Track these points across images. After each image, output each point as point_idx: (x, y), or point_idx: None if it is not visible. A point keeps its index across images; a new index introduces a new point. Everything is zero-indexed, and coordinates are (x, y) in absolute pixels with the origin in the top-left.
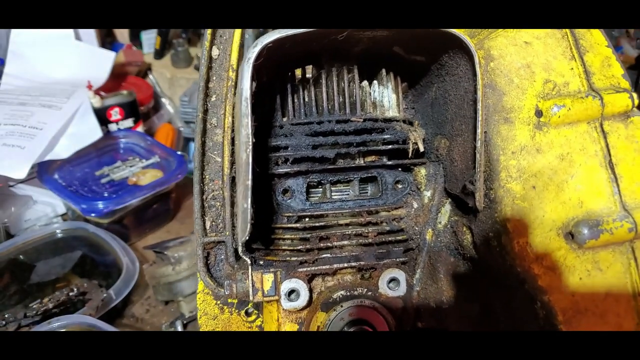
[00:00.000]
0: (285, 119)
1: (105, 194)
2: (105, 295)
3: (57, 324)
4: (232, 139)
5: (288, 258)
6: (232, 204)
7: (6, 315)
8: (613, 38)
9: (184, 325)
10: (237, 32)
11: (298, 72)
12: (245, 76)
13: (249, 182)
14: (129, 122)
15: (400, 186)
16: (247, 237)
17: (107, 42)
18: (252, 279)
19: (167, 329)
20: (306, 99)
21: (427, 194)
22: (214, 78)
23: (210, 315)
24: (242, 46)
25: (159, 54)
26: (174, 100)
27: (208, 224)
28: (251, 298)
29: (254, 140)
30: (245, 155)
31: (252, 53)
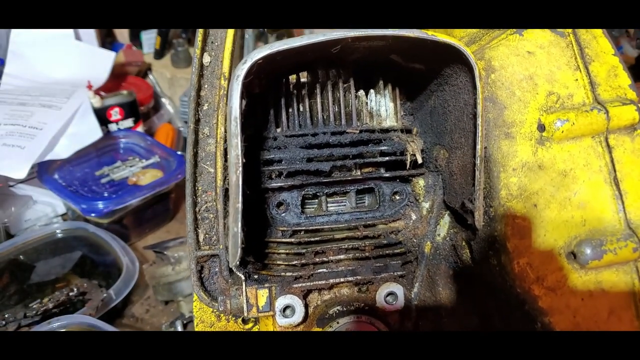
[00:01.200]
0: (279, 130)
1: (105, 194)
2: (105, 295)
3: (57, 324)
4: (225, 150)
5: (283, 273)
6: (226, 216)
7: (6, 315)
8: (613, 38)
9: (184, 325)
10: (229, 38)
11: (292, 78)
12: (234, 95)
13: (239, 205)
14: (129, 122)
15: (398, 197)
16: (238, 262)
17: (107, 42)
18: (246, 295)
19: (167, 329)
20: (300, 110)
21: (426, 205)
22: (206, 86)
23: (207, 323)
24: (240, 47)
25: (159, 54)
26: (174, 100)
27: (201, 237)
28: (245, 314)
29: (244, 160)
30: (235, 177)
31: (242, 70)
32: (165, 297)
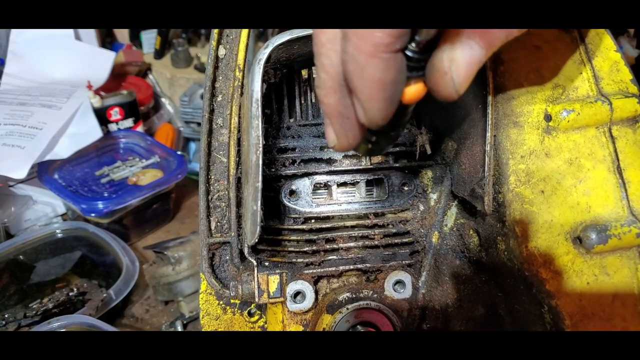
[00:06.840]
0: (292, 120)
1: (105, 194)
2: (105, 295)
3: (57, 324)
4: (239, 140)
5: (294, 259)
6: (238, 205)
7: (6, 315)
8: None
9: (184, 325)
10: (244, 31)
11: (304, 73)
12: (255, 78)
13: (259, 184)
14: (129, 122)
15: (406, 188)
16: (257, 240)
17: (107, 42)
18: (257, 281)
19: (167, 329)
20: (313, 100)
21: (434, 196)
22: (220, 78)
23: (213, 315)
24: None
25: (159, 54)
26: (174, 100)
27: (213, 225)
28: (256, 299)
29: (264, 142)
30: (255, 157)
31: (263, 54)
32: (165, 297)
